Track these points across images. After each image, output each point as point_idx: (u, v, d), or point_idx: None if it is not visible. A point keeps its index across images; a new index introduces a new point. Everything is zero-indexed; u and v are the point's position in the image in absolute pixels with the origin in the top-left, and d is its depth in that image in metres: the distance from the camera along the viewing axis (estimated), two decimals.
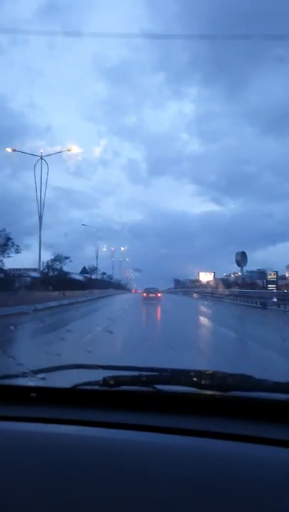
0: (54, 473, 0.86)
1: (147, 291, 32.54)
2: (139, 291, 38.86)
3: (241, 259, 33.84)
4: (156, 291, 32.07)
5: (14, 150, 27.94)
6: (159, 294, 32.05)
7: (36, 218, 28.52)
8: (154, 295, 30.88)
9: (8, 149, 27.83)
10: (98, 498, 0.80)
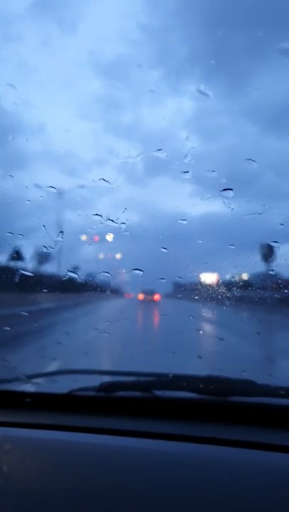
0: (48, 480, 0.85)
1: (144, 292, 31.63)
2: (133, 295, 37.42)
3: (268, 252, 32.06)
4: (153, 292, 31.19)
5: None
6: (156, 296, 30.91)
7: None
8: (151, 297, 30.16)
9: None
10: (94, 505, 0.79)
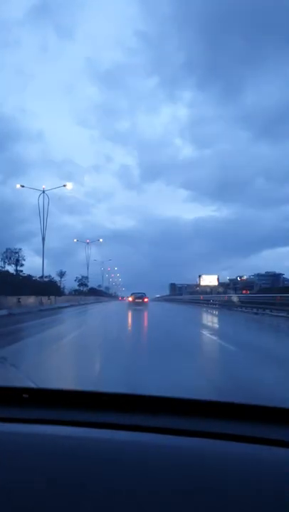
0: (47, 474, 0.85)
1: (135, 296, 33.94)
2: (126, 298, 38.53)
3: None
4: (143, 296, 33.88)
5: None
6: (145, 299, 33.92)
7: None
8: (140, 300, 32.75)
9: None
10: (93, 498, 0.79)
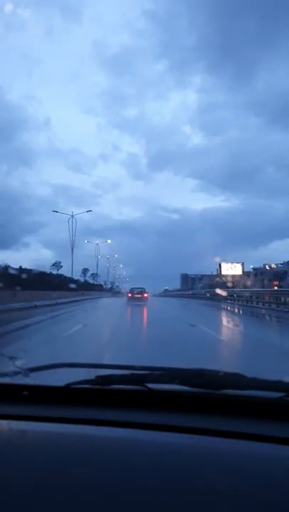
0: (46, 472, 0.86)
1: (133, 291, 31.70)
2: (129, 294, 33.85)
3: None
4: (142, 291, 31.60)
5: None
6: (145, 295, 31.53)
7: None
8: (140, 295, 30.66)
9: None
10: (92, 496, 0.80)
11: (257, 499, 0.77)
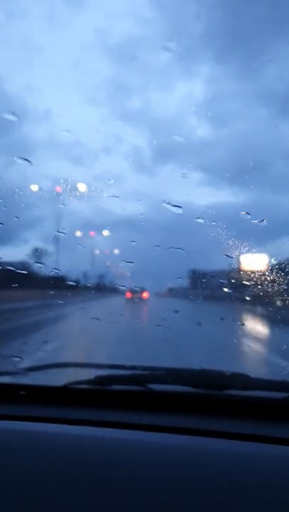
0: (44, 473, 0.85)
1: (132, 290, 30.16)
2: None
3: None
4: (141, 290, 30.42)
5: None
6: (144, 294, 30.26)
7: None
8: (139, 295, 29.65)
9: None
10: (89, 496, 0.79)
11: (262, 501, 0.75)
